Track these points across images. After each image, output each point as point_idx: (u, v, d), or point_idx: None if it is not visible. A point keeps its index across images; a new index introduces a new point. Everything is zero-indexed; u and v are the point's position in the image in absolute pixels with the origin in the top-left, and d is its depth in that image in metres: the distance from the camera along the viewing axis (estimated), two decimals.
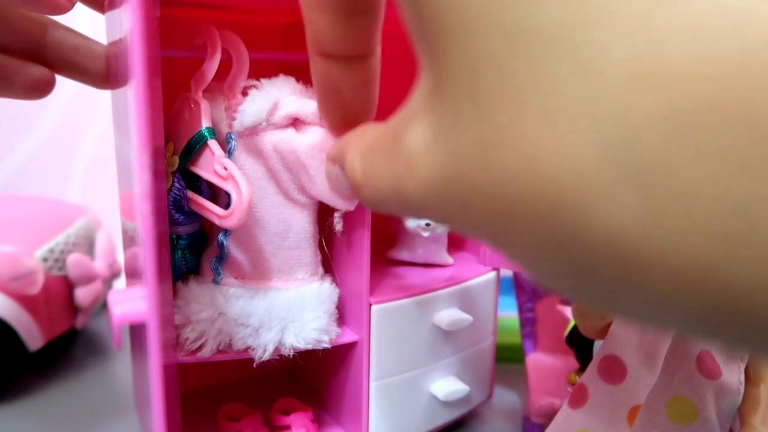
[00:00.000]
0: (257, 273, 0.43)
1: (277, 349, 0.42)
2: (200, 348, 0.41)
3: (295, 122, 0.41)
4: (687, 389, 0.32)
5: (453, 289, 0.49)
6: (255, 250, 0.42)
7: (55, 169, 0.87)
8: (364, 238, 0.44)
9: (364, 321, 0.45)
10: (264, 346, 0.42)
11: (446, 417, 0.50)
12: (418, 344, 0.47)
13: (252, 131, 0.40)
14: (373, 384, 0.46)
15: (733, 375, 0.32)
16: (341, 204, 0.41)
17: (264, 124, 0.40)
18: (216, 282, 0.43)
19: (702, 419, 0.32)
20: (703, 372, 0.32)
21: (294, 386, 0.57)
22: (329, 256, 0.49)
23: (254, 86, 0.41)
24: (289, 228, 0.43)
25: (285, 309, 0.42)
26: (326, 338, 0.44)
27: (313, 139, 0.40)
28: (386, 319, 0.45)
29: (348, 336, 0.46)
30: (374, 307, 0.45)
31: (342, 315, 0.48)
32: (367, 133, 0.25)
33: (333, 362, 0.50)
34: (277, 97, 0.40)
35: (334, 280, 0.46)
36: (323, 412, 0.52)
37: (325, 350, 0.44)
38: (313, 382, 0.55)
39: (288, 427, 0.48)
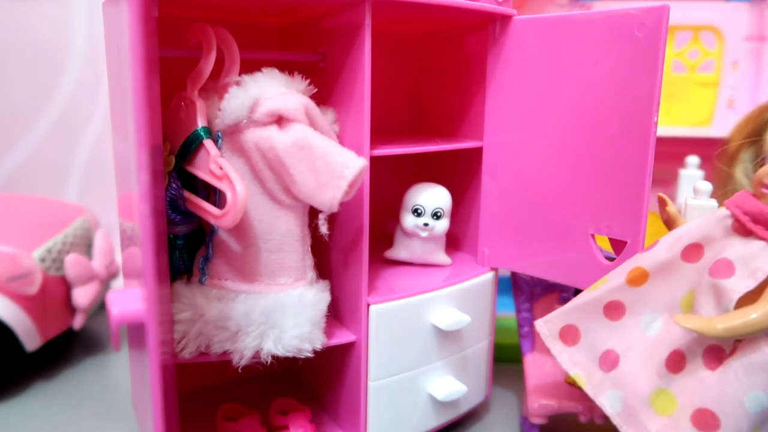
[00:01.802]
0: (239, 275, 0.42)
1: (257, 354, 0.41)
2: (183, 349, 0.41)
3: (280, 119, 0.40)
4: (697, 284, 0.33)
5: (451, 289, 0.49)
6: (236, 251, 0.42)
7: (53, 169, 0.87)
8: (362, 238, 0.44)
9: (362, 321, 0.45)
10: (241, 351, 0.41)
11: (444, 417, 0.50)
12: (416, 344, 0.47)
13: (234, 129, 0.40)
14: (371, 384, 0.46)
15: (738, 285, 0.31)
16: (325, 206, 0.40)
17: (245, 121, 0.39)
18: (201, 282, 0.42)
19: (694, 312, 0.33)
20: (711, 269, 0.32)
21: (292, 386, 0.57)
22: (325, 257, 0.49)
23: (237, 83, 0.40)
24: (272, 229, 0.42)
25: (264, 314, 0.41)
26: (308, 347, 0.42)
27: (294, 137, 0.39)
28: (384, 319, 0.45)
29: (346, 336, 0.46)
30: (372, 307, 0.45)
31: (340, 315, 0.48)
32: None
33: (331, 362, 0.50)
34: (258, 94, 0.39)
35: (331, 282, 0.46)
36: (321, 412, 0.52)
37: (323, 350, 0.44)
38: (312, 382, 0.55)
39: (286, 427, 0.48)
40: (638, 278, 0.36)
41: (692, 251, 0.34)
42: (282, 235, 0.42)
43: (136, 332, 0.42)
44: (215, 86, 0.42)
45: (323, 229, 0.42)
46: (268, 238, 0.42)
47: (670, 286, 0.35)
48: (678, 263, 0.35)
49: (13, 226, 0.61)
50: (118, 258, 0.60)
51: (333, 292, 0.46)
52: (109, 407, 0.55)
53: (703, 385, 0.32)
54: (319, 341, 0.43)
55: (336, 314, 0.48)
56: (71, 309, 0.61)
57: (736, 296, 0.31)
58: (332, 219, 0.45)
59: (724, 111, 0.72)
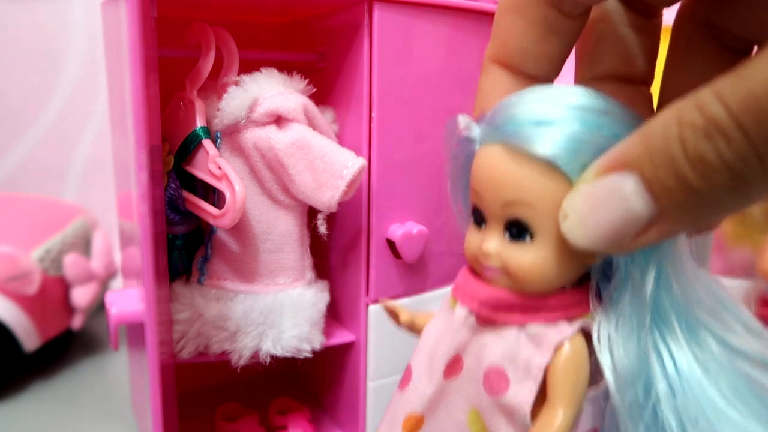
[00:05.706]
0: (237, 275, 0.42)
1: (256, 354, 0.41)
2: (182, 349, 0.41)
3: (278, 119, 0.40)
4: (477, 402, 0.29)
5: (451, 289, 0.48)
6: (235, 251, 0.42)
7: (52, 169, 0.87)
8: (362, 238, 0.44)
9: (361, 321, 0.45)
10: (240, 351, 0.41)
11: None
12: (415, 344, 0.47)
13: (233, 129, 0.40)
14: (370, 384, 0.46)
15: (521, 394, 0.27)
16: (324, 206, 0.40)
17: (244, 121, 0.39)
18: (200, 282, 0.42)
19: None
20: (485, 386, 0.28)
21: (291, 386, 0.57)
22: (324, 257, 0.49)
23: (236, 83, 0.40)
24: (270, 230, 0.42)
25: (263, 314, 0.41)
26: (307, 347, 0.42)
27: (292, 137, 0.39)
28: (383, 319, 0.45)
29: (345, 336, 0.46)
30: (371, 307, 0.45)
31: (339, 315, 0.48)
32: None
33: (330, 362, 0.50)
34: (257, 94, 0.39)
35: (330, 282, 0.46)
36: (320, 413, 0.52)
37: (322, 350, 0.44)
38: (311, 382, 0.55)
39: (285, 427, 0.48)
40: (416, 425, 0.32)
41: (452, 367, 0.30)
42: (281, 235, 0.42)
43: (135, 332, 0.42)
44: (214, 86, 0.42)
45: (322, 228, 0.42)
46: (267, 238, 0.42)
47: (449, 411, 0.31)
48: (445, 387, 0.31)
49: (11, 226, 0.61)
50: (117, 258, 0.60)
51: (332, 292, 0.46)
52: (108, 407, 0.55)
53: None
54: (317, 341, 0.43)
55: (335, 314, 0.48)
56: (70, 309, 0.61)
57: (528, 408, 0.27)
58: (331, 219, 0.45)
59: None
